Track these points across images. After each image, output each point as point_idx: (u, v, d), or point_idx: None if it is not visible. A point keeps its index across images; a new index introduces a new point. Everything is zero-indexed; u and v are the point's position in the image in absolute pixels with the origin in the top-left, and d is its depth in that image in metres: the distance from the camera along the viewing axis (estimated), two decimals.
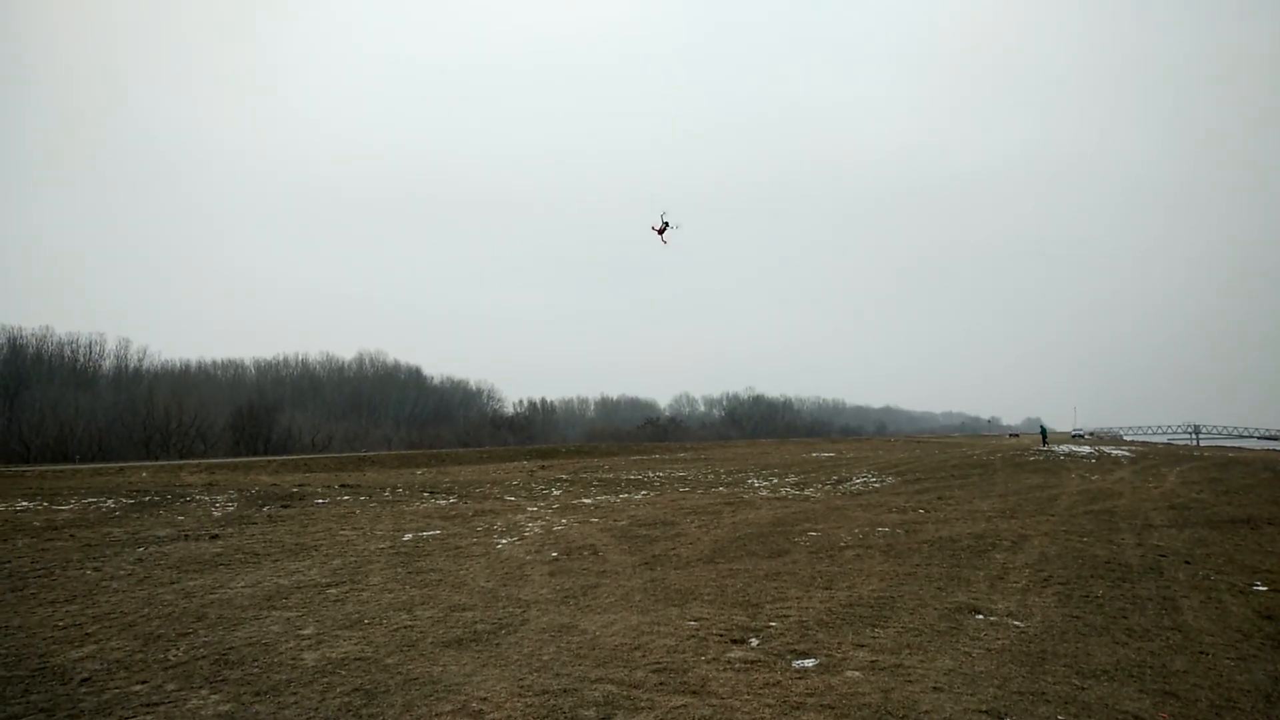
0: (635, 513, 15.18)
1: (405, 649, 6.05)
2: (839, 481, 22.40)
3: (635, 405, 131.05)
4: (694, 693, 4.94)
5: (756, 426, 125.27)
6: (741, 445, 65.10)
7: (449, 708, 4.73)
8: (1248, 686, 5.11)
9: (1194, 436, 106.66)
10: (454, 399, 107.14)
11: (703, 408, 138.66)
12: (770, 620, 6.86)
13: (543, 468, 33.17)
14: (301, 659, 5.76)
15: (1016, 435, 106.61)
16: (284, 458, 44.17)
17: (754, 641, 6.19)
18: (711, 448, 58.62)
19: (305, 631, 6.58)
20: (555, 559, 10.14)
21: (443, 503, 17.48)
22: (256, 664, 5.63)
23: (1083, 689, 5.01)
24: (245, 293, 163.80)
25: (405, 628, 6.71)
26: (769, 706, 4.67)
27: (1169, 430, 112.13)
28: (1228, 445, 75.18)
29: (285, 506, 16.30)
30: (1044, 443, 48.23)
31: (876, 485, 21.19)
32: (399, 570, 9.42)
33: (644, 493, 19.88)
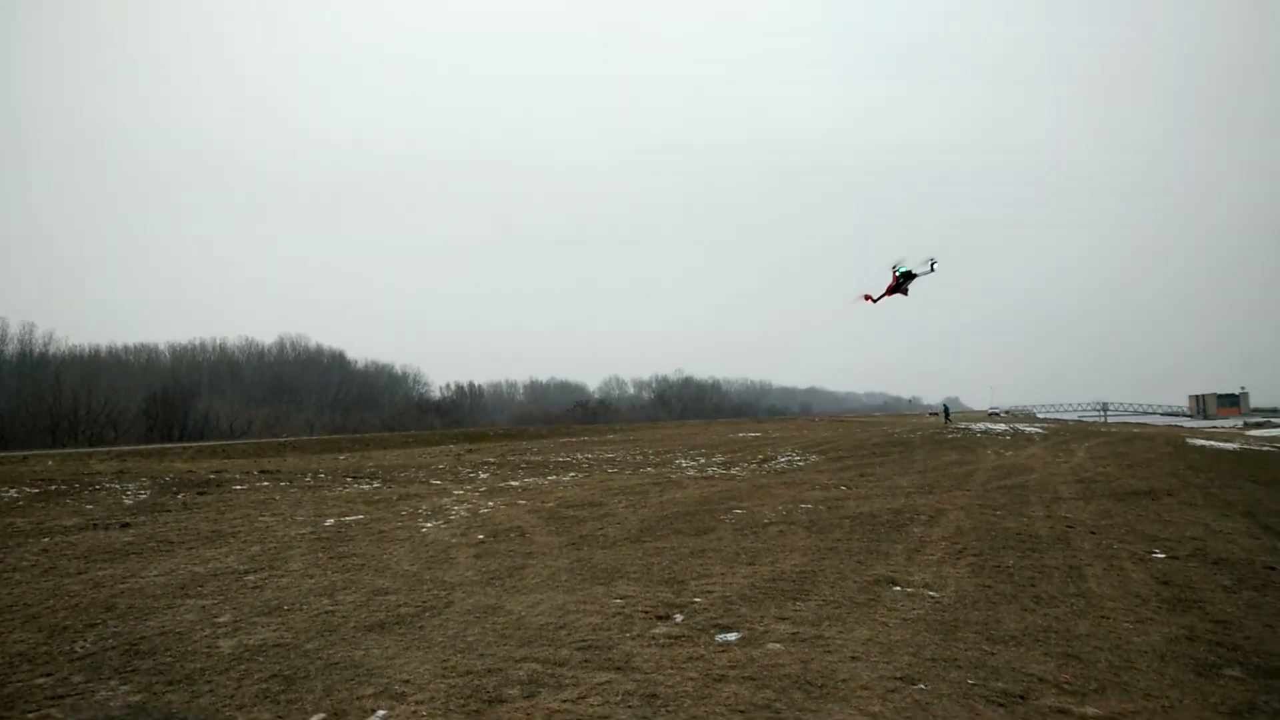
0: (563, 494, 15.35)
1: (326, 634, 6.07)
2: (764, 460, 23.07)
3: (565, 388, 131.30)
4: (618, 669, 5.16)
5: (685, 408, 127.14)
6: (670, 426, 66.01)
7: (370, 691, 4.80)
8: (1144, 647, 5.66)
9: (1102, 414, 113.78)
10: (379, 383, 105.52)
11: (632, 390, 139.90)
12: (695, 596, 7.13)
13: (470, 451, 32.95)
14: (217, 647, 5.71)
15: (936, 414, 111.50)
16: (200, 444, 42.72)
17: (678, 617, 6.44)
18: (640, 429, 59.26)
19: (221, 619, 6.50)
20: (481, 541, 10.22)
21: (366, 487, 17.29)
22: (169, 653, 5.56)
23: (992, 654, 5.46)
24: (159, 277, 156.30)
25: (326, 613, 6.71)
26: (691, 679, 4.93)
27: (1079, 408, 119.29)
28: (1133, 421, 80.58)
29: (201, 493, 15.82)
30: (946, 420, 51.59)
31: (801, 464, 21.93)
32: (320, 555, 9.35)
33: (572, 474, 20.05)
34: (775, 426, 54.95)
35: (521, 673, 5.09)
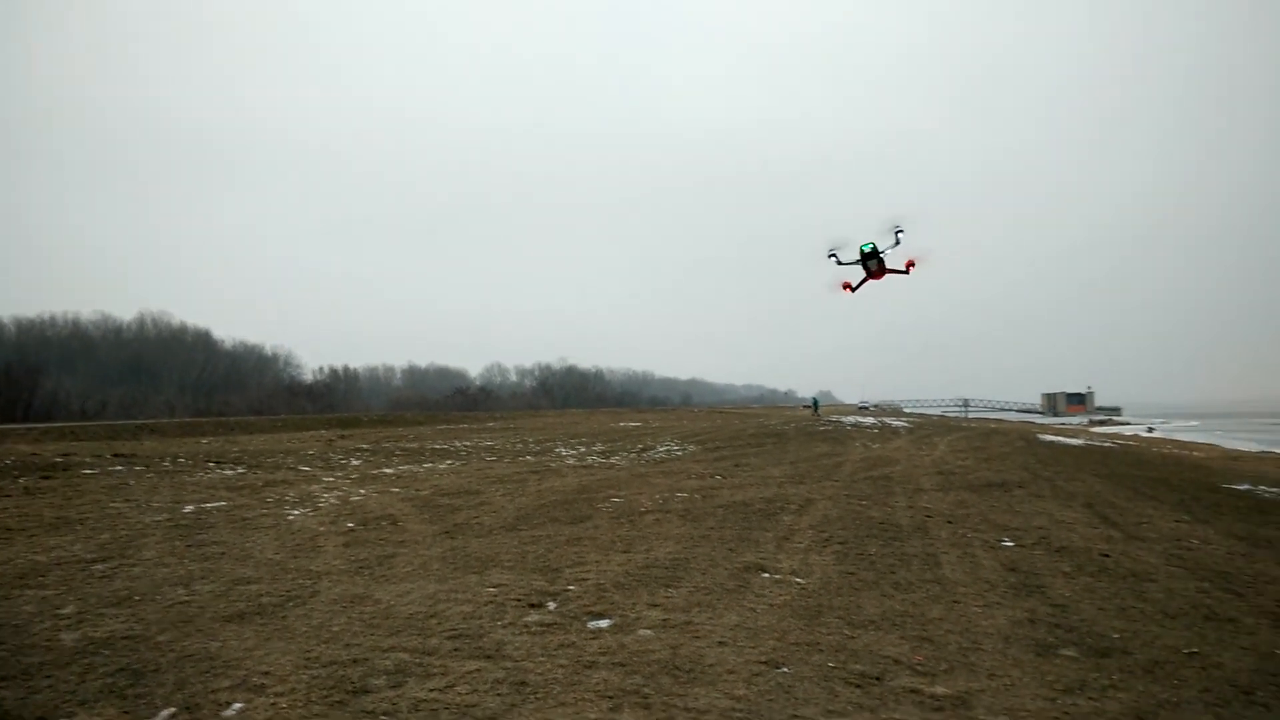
0: (439, 482, 15.08)
1: (180, 625, 5.78)
2: (644, 450, 23.32)
3: (444, 374, 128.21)
4: (488, 657, 5.15)
5: (568, 396, 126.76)
6: (551, 415, 65.71)
7: (227, 683, 4.62)
8: (990, 630, 6.08)
9: (964, 409, 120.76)
10: (247, 364, 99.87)
11: (514, 377, 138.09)
12: (569, 584, 7.19)
13: (342, 437, 31.86)
14: (59, 640, 5.35)
15: (809, 407, 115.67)
16: (48, 425, 39.53)
17: (551, 605, 6.48)
18: (521, 417, 58.71)
19: (65, 610, 6.08)
20: (351, 530, 9.96)
21: (230, 473, 16.42)
22: (4, 647, 5.17)
23: (852, 638, 5.75)
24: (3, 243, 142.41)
25: (181, 603, 6.39)
26: (562, 666, 4.98)
27: (943, 403, 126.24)
28: (991, 417, 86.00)
29: (46, 477, 14.58)
30: (815, 413, 54.11)
31: (679, 453, 22.30)
32: (176, 544, 8.85)
33: (449, 462, 19.71)
34: (656, 416, 55.63)
35: (388, 662, 5.01)
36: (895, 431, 32.23)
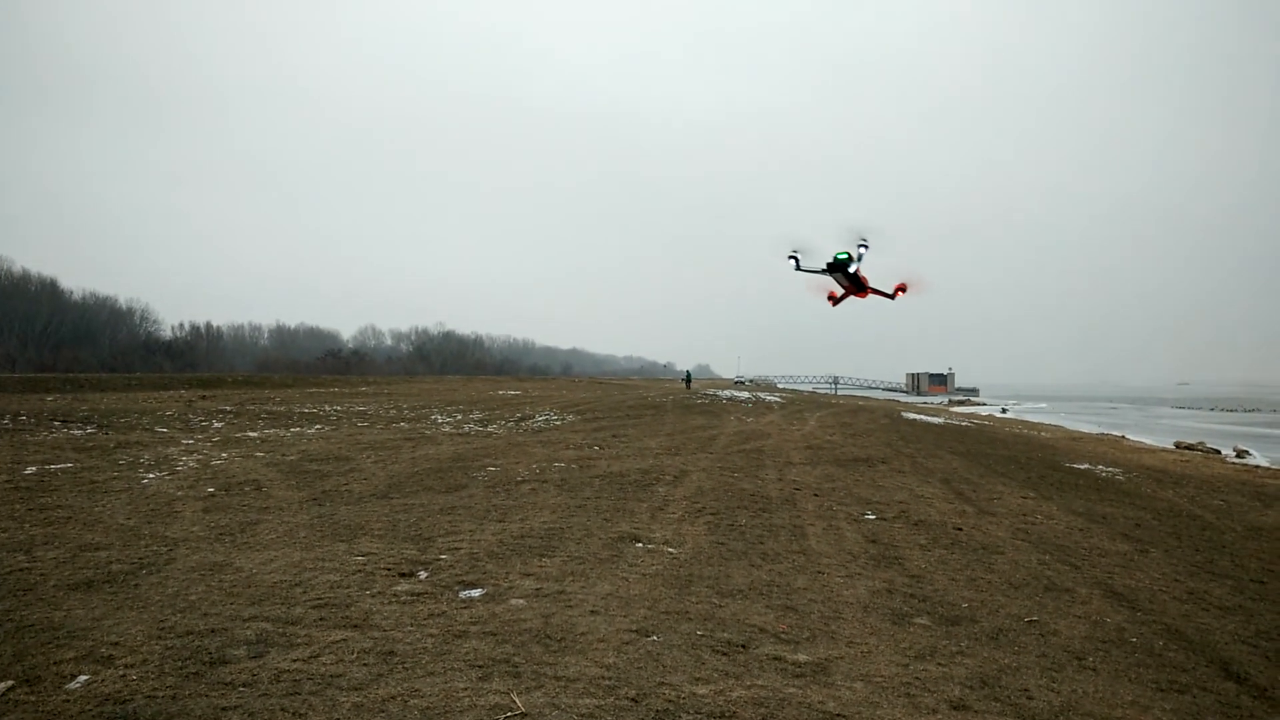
0: (307, 447, 14.61)
1: (20, 594, 5.42)
2: (522, 419, 23.18)
3: (315, 335, 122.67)
4: (355, 626, 5.01)
5: (446, 363, 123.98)
6: (428, 381, 64.33)
7: (72, 654, 4.33)
8: (851, 599, 6.36)
9: (834, 386, 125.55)
10: (98, 318, 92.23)
11: (390, 341, 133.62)
12: (441, 553, 7.09)
13: (203, 398, 30.35)
14: None
15: (683, 380, 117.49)
16: None
17: (422, 574, 6.38)
18: (396, 382, 57.28)
19: None
20: (211, 495, 9.58)
21: (78, 433, 15.44)
22: None
23: (721, 607, 5.90)
24: None
25: (21, 570, 6.00)
26: (432, 636, 4.89)
27: (815, 380, 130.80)
28: (859, 395, 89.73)
29: None
30: (687, 386, 55.46)
31: (558, 423, 22.28)
32: (17, 507, 8.32)
33: (318, 426, 19.17)
34: (536, 385, 55.36)
35: (249, 632, 4.81)
36: (769, 406, 33.13)
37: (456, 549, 7.28)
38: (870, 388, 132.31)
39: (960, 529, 9.46)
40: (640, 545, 7.74)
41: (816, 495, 11.21)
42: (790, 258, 10.69)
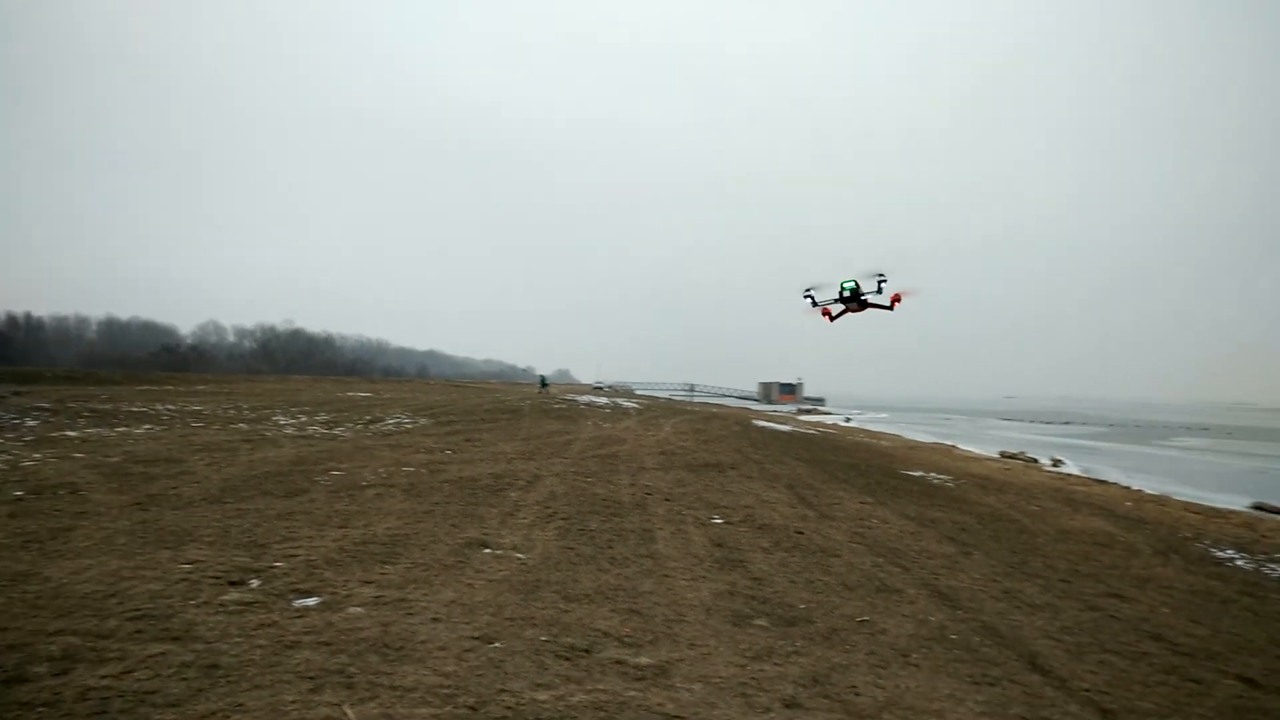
0: (133, 448, 13.62)
1: None
2: (372, 421, 22.41)
3: (150, 330, 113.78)
4: (176, 639, 4.69)
5: (293, 362, 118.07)
6: (272, 381, 61.13)
7: None
8: (695, 602, 6.50)
9: (690, 393, 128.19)
10: None
11: (233, 338, 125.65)
12: (276, 560, 6.76)
13: (16, 394, 27.67)
14: None
15: (548, 385, 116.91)
16: None
17: (254, 583, 6.06)
18: (237, 381, 54.15)
19: None
20: (19, 499, 8.82)
21: None
22: None
23: (567, 611, 5.90)
24: None
25: None
26: (260, 647, 4.65)
27: (672, 387, 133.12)
28: (714, 402, 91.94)
29: None
30: (543, 389, 55.80)
31: (409, 426, 21.67)
32: None
33: (148, 426, 17.90)
34: (388, 387, 53.72)
35: (54, 647, 4.44)
36: (626, 412, 33.47)
37: (293, 556, 6.97)
38: (725, 396, 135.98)
39: (801, 533, 9.84)
40: (488, 551, 7.63)
41: (667, 500, 11.40)
42: (806, 295, 12.35)
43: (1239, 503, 22.62)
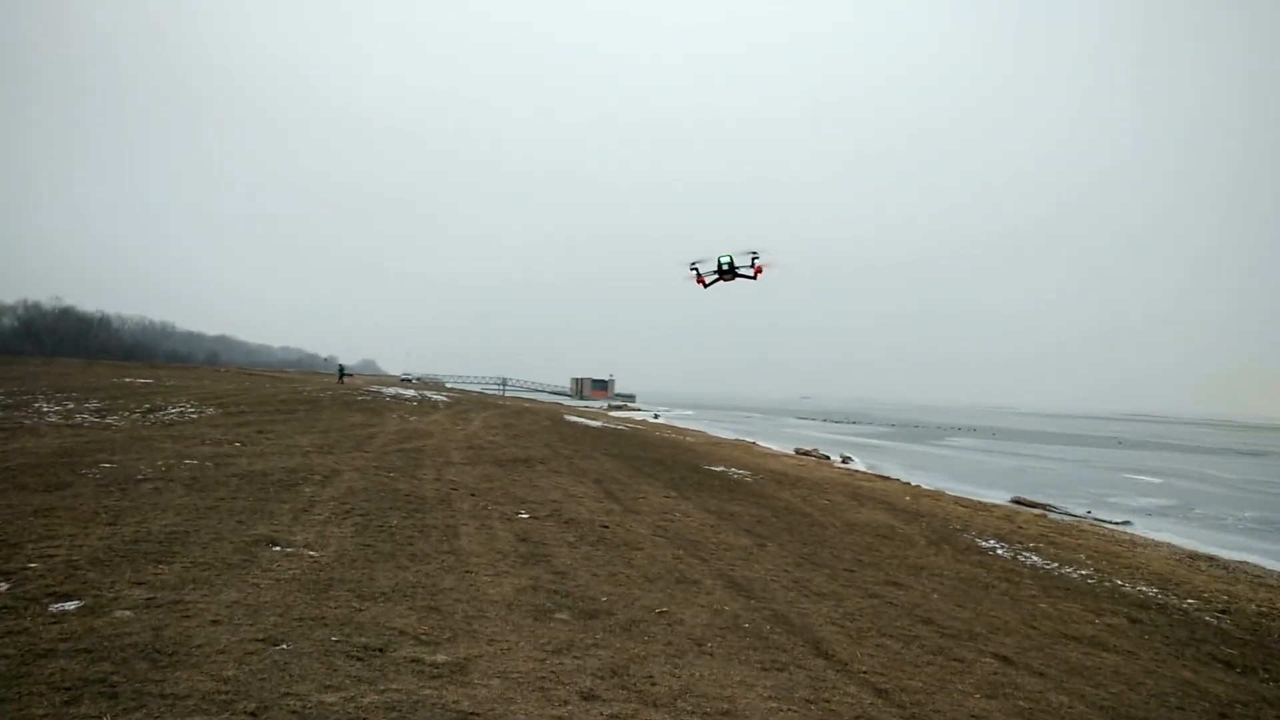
0: None
1: None
2: (151, 410, 20.54)
3: None
4: None
5: (61, 344, 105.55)
6: (36, 364, 54.41)
7: None
8: (496, 598, 6.44)
9: (502, 388, 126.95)
10: None
11: None
12: (31, 561, 6.09)
13: None
14: None
15: (351, 375, 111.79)
16: None
17: (2, 586, 5.42)
18: None
19: None
20: None
21: None
22: None
23: (361, 610, 5.67)
24: None
25: None
26: (6, 658, 4.17)
27: (484, 380, 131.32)
28: (525, 397, 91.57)
29: None
30: (340, 380, 53.43)
31: (195, 416, 20.07)
32: None
33: None
34: (173, 374, 49.36)
35: None
36: (434, 405, 32.65)
37: (51, 556, 6.31)
38: (537, 390, 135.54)
39: (607, 526, 9.99)
40: (278, 549, 7.21)
41: (473, 495, 11.23)
42: (692, 268, 14.34)
43: (1001, 497, 25.23)
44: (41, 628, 4.70)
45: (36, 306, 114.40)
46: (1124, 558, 14.20)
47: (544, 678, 4.76)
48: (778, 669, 5.52)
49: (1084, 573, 12.05)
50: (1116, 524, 21.34)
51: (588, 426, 29.54)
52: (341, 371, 60.07)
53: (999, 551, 13.04)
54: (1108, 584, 11.45)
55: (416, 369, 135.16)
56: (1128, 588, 11.39)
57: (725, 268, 14.12)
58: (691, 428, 50.52)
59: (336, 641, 4.94)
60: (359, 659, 4.70)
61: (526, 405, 45.35)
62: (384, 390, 38.58)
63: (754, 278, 14.40)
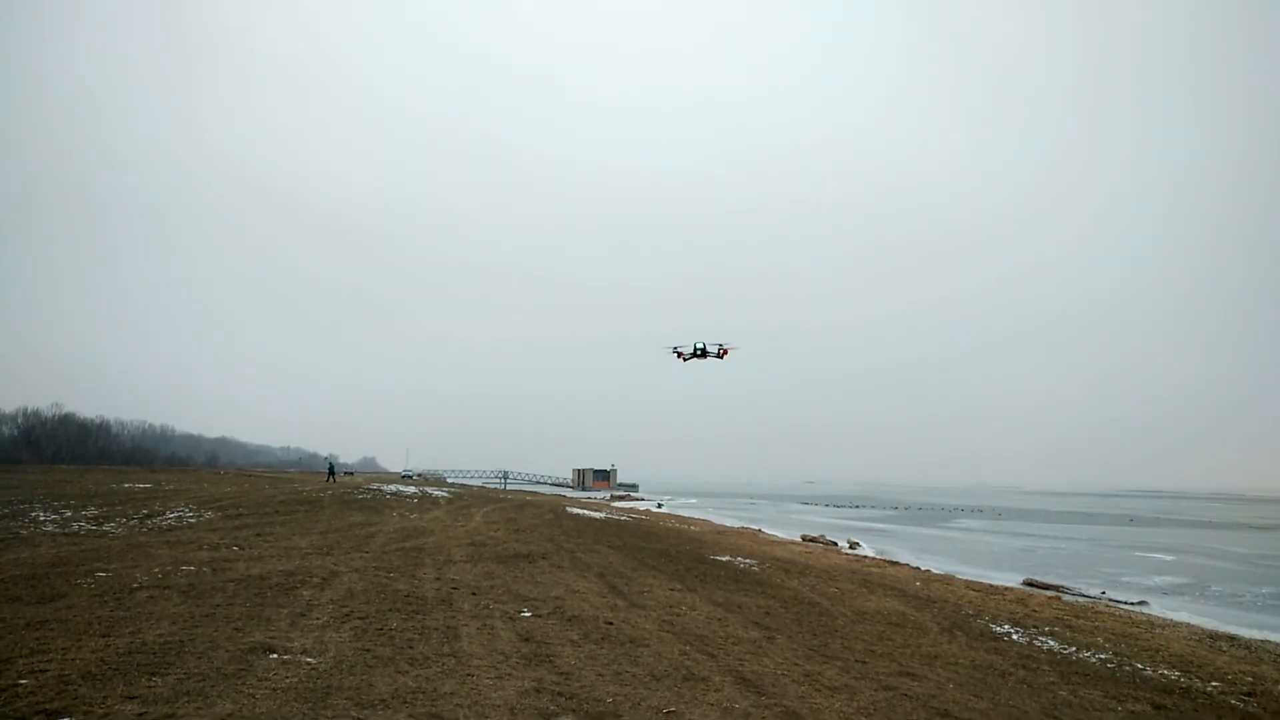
0: None
1: None
2: (149, 515, 20.36)
3: None
4: None
5: (60, 450, 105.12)
6: (35, 472, 54.19)
7: None
8: (499, 701, 6.26)
9: (504, 481, 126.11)
10: None
11: None
12: (21, 677, 5.94)
13: None
14: None
15: (351, 473, 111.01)
16: None
17: None
18: None
19: None
20: None
21: None
22: None
23: (360, 719, 5.53)
24: None
25: None
26: None
27: (484, 474, 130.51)
28: (527, 490, 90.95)
29: None
30: (331, 478, 52.95)
31: (193, 520, 19.88)
32: None
33: None
34: (172, 478, 49.13)
35: None
36: (435, 501, 32.37)
37: (42, 671, 6.15)
38: (539, 482, 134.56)
39: (611, 623, 9.78)
40: (275, 656, 7.04)
41: (474, 594, 11.03)
42: (675, 351, 18.00)
43: (1013, 579, 24.82)
44: None
45: (36, 414, 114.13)
46: (1143, 639, 13.88)
47: None
48: None
49: (1103, 656, 11.76)
50: (1132, 604, 20.97)
51: (590, 518, 29.22)
52: (331, 469, 59.26)
53: (1014, 637, 12.74)
54: (1128, 668, 11.16)
55: (417, 465, 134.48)
56: (1149, 671, 11.09)
57: (699, 350, 17.23)
58: (696, 516, 50.01)
59: None
60: None
61: (528, 498, 44.95)
62: (384, 488, 38.28)
63: (720, 358, 17.54)
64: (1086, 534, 52.25)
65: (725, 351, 18.24)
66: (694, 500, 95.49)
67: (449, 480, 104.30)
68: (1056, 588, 23.25)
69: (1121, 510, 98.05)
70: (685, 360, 18.06)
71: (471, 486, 70.64)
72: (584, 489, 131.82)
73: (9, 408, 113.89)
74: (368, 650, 7.52)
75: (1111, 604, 20.52)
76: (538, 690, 6.66)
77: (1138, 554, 37.60)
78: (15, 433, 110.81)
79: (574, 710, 6.21)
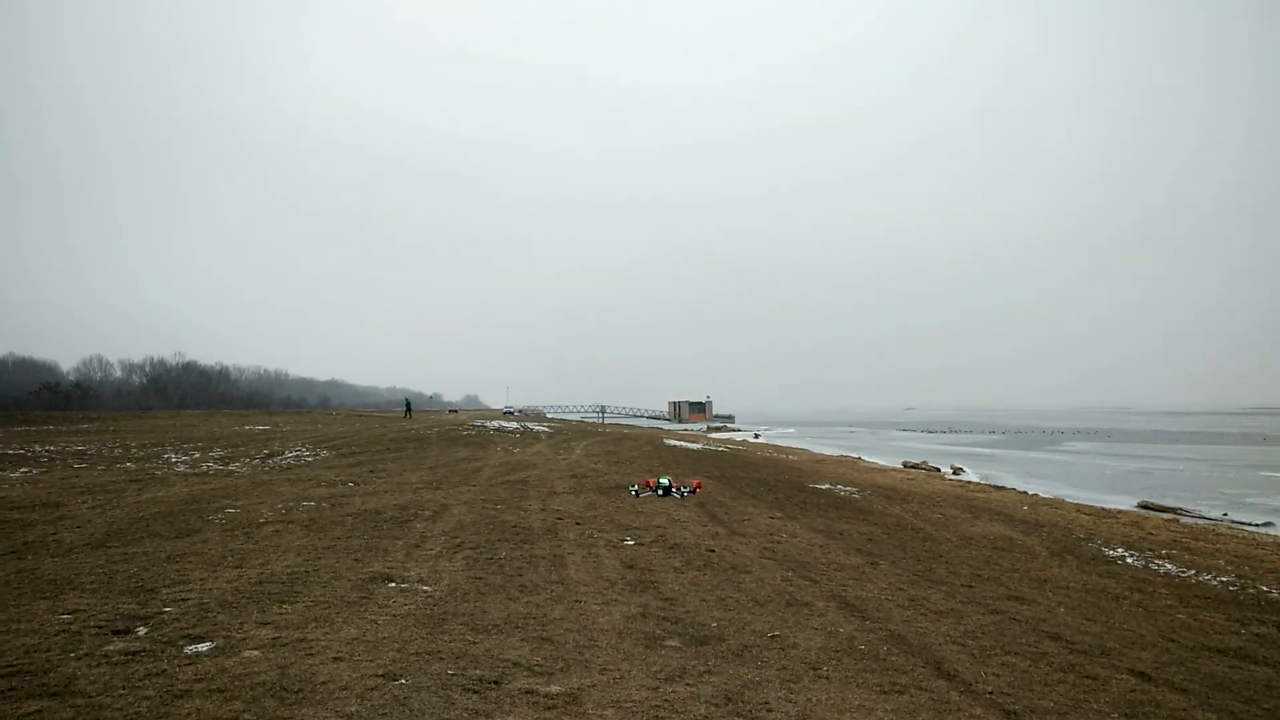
0: (7, 493, 12.76)
1: None
2: (270, 455, 21.54)
3: (28, 367, 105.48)
4: (54, 695, 4.35)
5: (186, 396, 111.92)
6: (164, 416, 57.96)
7: None
8: (606, 626, 6.44)
9: (601, 415, 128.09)
10: None
11: (120, 373, 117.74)
12: (165, 605, 6.39)
13: None
14: None
15: (455, 411, 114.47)
16: None
17: (141, 630, 5.69)
18: (125, 419, 51.05)
19: None
20: None
21: None
22: None
23: (474, 643, 5.75)
24: None
25: None
26: (147, 699, 4.37)
27: (582, 409, 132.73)
28: (624, 423, 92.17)
29: None
30: (407, 414, 55.60)
31: (310, 459, 20.92)
32: None
33: (25, 469, 16.69)
34: (288, 419, 51.75)
35: None
36: (536, 436, 33.16)
37: (184, 600, 6.60)
38: (635, 416, 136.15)
39: (713, 550, 9.89)
40: (393, 585, 7.41)
41: (578, 524, 11.31)
42: (632, 489, 15.50)
43: (1126, 502, 23.94)
44: (177, 669, 4.91)
45: (162, 363, 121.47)
46: (1269, 562, 13.26)
47: (658, 706, 4.72)
48: (898, 692, 5.32)
49: (1225, 579, 11.29)
50: (1257, 526, 19.96)
51: (688, 449, 29.46)
52: (408, 405, 61.11)
53: (1128, 560, 12.34)
54: (1252, 591, 10.69)
55: (518, 401, 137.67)
56: (1275, 594, 10.60)
57: (666, 487, 15.47)
58: (793, 445, 49.87)
59: (453, 675, 5.02)
60: (475, 692, 4.76)
61: (625, 432, 45.59)
62: (488, 424, 39.38)
63: (694, 492, 15.65)
64: (1207, 454, 49.80)
65: (700, 485, 16.48)
66: (791, 430, 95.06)
67: (548, 416, 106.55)
68: (1174, 510, 22.33)
69: (1250, 428, 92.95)
70: (653, 491, 15.68)
71: (570, 421, 72.01)
72: (680, 421, 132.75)
73: (138, 357, 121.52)
74: (479, 578, 7.83)
75: (1234, 526, 19.60)
76: (643, 615, 6.82)
77: (1263, 474, 35.64)
78: (144, 381, 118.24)
79: (679, 634, 6.33)
